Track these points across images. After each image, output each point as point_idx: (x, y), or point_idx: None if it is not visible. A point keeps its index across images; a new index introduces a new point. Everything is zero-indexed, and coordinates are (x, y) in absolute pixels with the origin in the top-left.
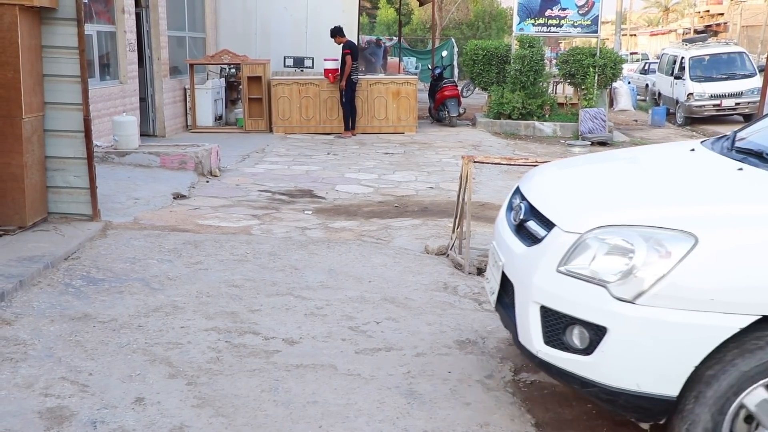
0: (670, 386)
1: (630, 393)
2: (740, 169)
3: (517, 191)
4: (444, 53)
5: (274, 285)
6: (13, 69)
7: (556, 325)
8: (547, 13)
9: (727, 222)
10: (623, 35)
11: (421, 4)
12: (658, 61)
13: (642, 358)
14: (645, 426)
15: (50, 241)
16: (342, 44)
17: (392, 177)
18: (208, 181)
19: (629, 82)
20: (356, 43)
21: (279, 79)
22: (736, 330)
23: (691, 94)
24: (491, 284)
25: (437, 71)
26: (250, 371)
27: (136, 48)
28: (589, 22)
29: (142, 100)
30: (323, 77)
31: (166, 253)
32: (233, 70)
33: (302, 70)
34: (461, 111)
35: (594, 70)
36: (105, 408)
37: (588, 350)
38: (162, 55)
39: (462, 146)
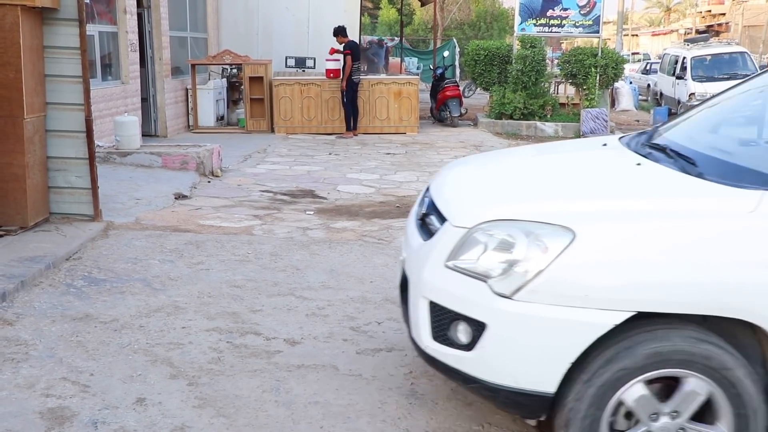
0: (547, 383)
1: (509, 389)
2: (639, 164)
3: (428, 186)
4: (446, 53)
5: (275, 285)
6: (14, 69)
7: (442, 321)
8: (549, 13)
9: (606, 217)
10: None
11: (422, 5)
12: (660, 61)
13: (519, 354)
14: (531, 422)
15: (52, 241)
16: (343, 44)
17: (394, 177)
18: (209, 182)
19: (631, 82)
20: (358, 43)
21: (281, 80)
22: (611, 326)
23: (693, 94)
24: (398, 279)
25: (439, 71)
26: (252, 372)
27: (137, 48)
28: (590, 23)
29: (144, 100)
30: (325, 77)
31: (167, 254)
32: (235, 71)
33: (304, 71)
34: (463, 111)
35: (595, 71)
36: (106, 408)
37: (470, 346)
38: (164, 55)
39: (463, 146)
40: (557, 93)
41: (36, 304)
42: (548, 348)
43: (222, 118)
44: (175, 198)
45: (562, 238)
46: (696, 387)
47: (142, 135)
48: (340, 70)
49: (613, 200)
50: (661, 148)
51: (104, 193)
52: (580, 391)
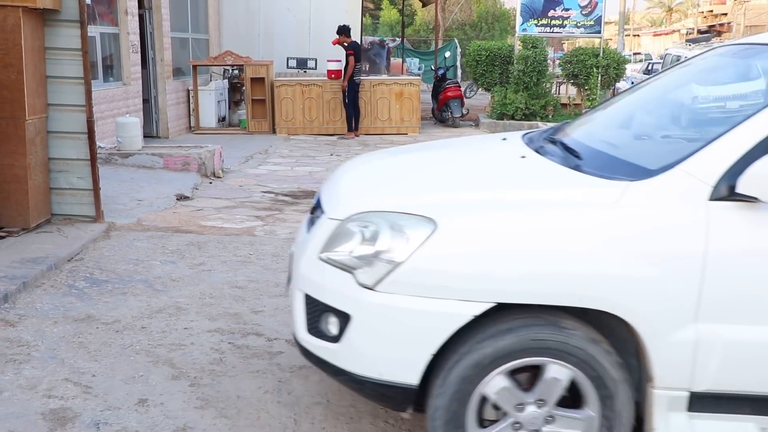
0: (409, 374)
1: (373, 381)
2: (523, 156)
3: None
4: (447, 54)
5: (277, 286)
6: (16, 70)
7: (314, 313)
8: (550, 13)
9: (469, 208)
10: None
11: (424, 5)
12: (662, 61)
13: (382, 345)
14: (405, 415)
15: (53, 242)
16: (346, 44)
17: None
18: (211, 183)
19: (632, 83)
20: (360, 44)
21: (282, 80)
22: (469, 317)
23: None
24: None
25: (440, 72)
26: (254, 372)
27: (139, 49)
28: (592, 23)
29: (146, 101)
30: (326, 78)
31: (169, 255)
32: (236, 72)
33: (305, 71)
34: (464, 112)
35: (597, 71)
36: (108, 409)
37: (338, 338)
38: (165, 56)
39: None
40: (559, 93)
41: (38, 305)
42: (409, 339)
43: (223, 119)
44: (177, 199)
45: (424, 229)
46: (556, 373)
47: (144, 136)
48: (341, 70)
49: (480, 192)
50: (554, 142)
51: (106, 195)
52: (442, 385)
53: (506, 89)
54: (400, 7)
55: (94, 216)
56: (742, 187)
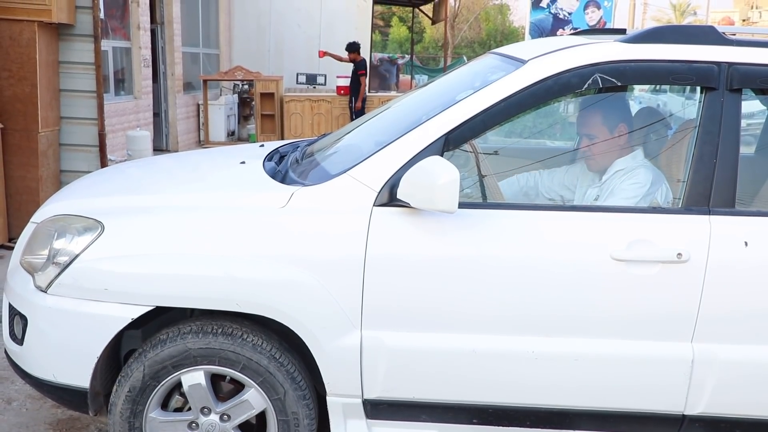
0: (79, 377)
1: (50, 384)
2: (243, 162)
3: None
4: None
5: None
6: (30, 84)
7: (11, 317)
8: (559, 32)
9: (138, 211)
10: None
11: (433, 23)
12: None
13: (52, 347)
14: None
15: None
16: (356, 62)
17: None
18: None
19: (640, 102)
20: (368, 61)
21: (291, 96)
22: (128, 320)
23: None
24: None
25: None
26: None
27: (150, 64)
28: None
29: (156, 115)
30: (336, 94)
31: None
32: (246, 86)
33: (315, 87)
34: None
35: None
36: None
37: (21, 340)
38: (176, 70)
39: None
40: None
41: None
42: (75, 342)
43: (233, 133)
44: None
45: (91, 232)
46: (251, 399)
47: (154, 149)
48: (349, 87)
49: (157, 195)
50: (288, 152)
51: None
52: (119, 388)
53: None
54: (410, 24)
55: None
56: (399, 193)
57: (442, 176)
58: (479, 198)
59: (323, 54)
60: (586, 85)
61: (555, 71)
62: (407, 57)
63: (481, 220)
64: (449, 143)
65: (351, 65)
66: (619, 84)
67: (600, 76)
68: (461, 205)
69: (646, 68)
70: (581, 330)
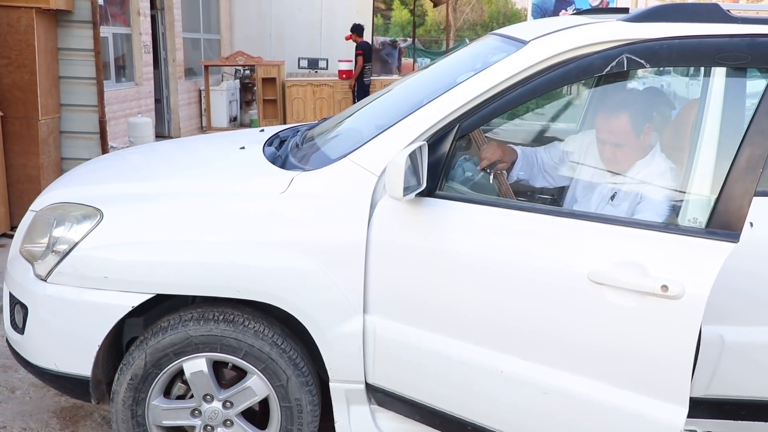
0: (80, 366)
1: (52, 372)
2: (242, 147)
3: None
4: None
5: None
6: (29, 71)
7: (12, 306)
8: (561, 13)
9: (138, 198)
10: None
11: (435, 6)
12: None
13: (54, 336)
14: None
15: None
16: (356, 44)
17: None
18: None
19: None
20: (371, 45)
21: (293, 81)
22: (129, 308)
23: None
24: None
25: None
26: None
27: (151, 50)
28: None
29: (158, 101)
30: (338, 78)
31: None
32: (248, 72)
33: (316, 72)
34: None
35: None
36: None
37: (22, 330)
38: (177, 56)
39: None
40: (570, 92)
41: None
42: (76, 331)
43: (235, 119)
44: None
45: (90, 220)
46: (253, 385)
47: (156, 136)
48: (352, 70)
49: (157, 182)
50: (289, 137)
51: None
52: (121, 376)
53: None
54: (412, 7)
55: None
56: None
57: (392, 162)
58: (468, 190)
59: (350, 38)
60: (609, 68)
61: (556, 52)
62: (409, 40)
63: (456, 214)
64: (451, 126)
65: (353, 50)
66: (646, 64)
67: (627, 57)
68: (439, 196)
69: (647, 48)
70: (555, 358)
